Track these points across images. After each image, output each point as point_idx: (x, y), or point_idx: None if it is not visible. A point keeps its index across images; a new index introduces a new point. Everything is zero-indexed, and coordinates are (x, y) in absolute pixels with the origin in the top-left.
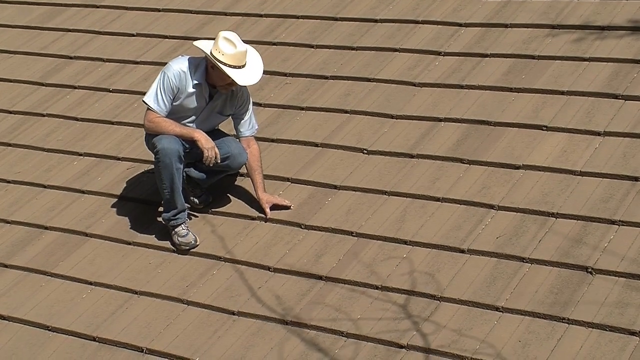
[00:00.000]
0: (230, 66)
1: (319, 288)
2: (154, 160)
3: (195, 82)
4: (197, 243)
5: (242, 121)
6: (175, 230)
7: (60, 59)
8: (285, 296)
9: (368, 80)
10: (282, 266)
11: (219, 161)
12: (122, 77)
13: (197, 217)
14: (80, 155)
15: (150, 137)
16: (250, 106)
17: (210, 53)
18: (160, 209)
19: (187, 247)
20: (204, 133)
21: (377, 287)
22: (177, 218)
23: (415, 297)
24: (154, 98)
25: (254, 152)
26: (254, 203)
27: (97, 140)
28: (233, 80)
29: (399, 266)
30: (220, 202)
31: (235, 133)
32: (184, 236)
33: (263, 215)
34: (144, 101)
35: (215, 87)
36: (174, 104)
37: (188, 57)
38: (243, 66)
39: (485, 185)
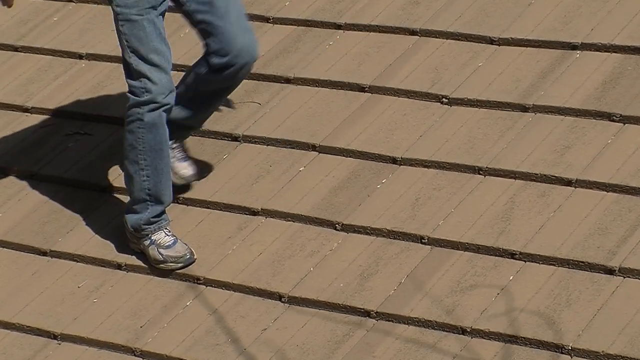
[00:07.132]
0: None
1: (364, 332)
2: (126, 114)
3: None
4: (195, 256)
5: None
6: (153, 238)
7: None
8: (308, 345)
9: None
10: (303, 294)
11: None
12: None
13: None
14: None
15: (128, 56)
16: None
17: None
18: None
19: (181, 264)
20: None
21: (463, 331)
22: (160, 220)
23: (526, 348)
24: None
25: None
26: (258, 186)
27: None
28: None
29: (500, 295)
30: (198, 184)
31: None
32: (170, 246)
33: (268, 209)
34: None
35: None
36: None
37: None
38: None
39: None
